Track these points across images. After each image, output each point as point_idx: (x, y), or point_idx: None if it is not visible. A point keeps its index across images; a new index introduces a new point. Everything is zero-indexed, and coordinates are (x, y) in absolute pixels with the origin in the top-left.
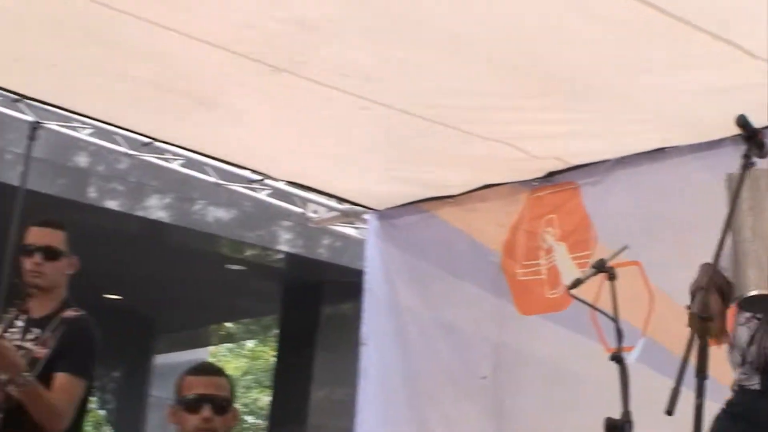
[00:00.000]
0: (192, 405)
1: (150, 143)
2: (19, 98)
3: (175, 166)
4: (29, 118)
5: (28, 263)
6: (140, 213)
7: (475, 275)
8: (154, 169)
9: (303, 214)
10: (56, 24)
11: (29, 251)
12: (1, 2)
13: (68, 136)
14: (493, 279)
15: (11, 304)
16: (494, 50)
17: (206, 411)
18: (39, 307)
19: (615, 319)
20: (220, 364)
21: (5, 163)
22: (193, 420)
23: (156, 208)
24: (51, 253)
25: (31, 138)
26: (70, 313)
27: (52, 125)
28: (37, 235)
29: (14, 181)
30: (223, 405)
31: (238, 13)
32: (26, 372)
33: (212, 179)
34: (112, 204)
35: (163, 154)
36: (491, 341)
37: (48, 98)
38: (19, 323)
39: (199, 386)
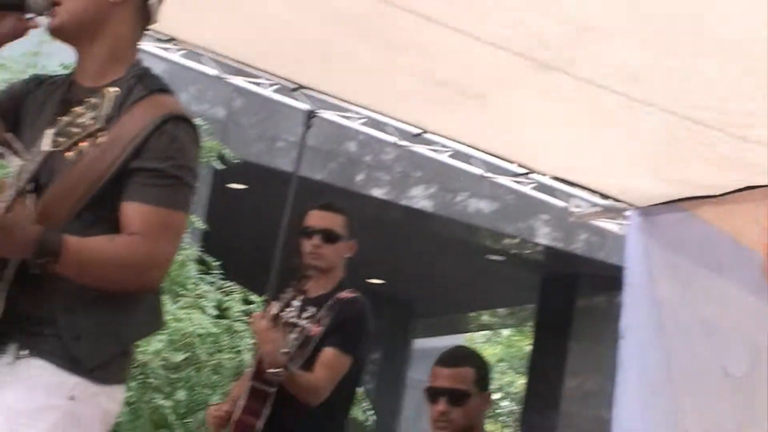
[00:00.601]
0: (431, 396)
1: (420, 134)
2: (296, 87)
3: (443, 157)
4: (305, 106)
5: (307, 245)
6: (404, 202)
7: (736, 275)
8: (419, 160)
9: (565, 208)
10: (333, 16)
11: (309, 233)
12: None
13: (340, 125)
14: (754, 279)
15: (289, 285)
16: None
17: (441, 404)
18: (316, 288)
19: None
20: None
21: (279, 150)
22: (432, 411)
23: (420, 198)
24: (330, 236)
25: (307, 126)
26: (345, 294)
27: (327, 114)
28: (317, 218)
29: (287, 166)
30: (459, 397)
31: (510, 11)
32: (281, 369)
33: (478, 171)
34: (377, 192)
35: (431, 145)
36: (749, 341)
37: (324, 88)
38: (296, 303)
39: (438, 378)
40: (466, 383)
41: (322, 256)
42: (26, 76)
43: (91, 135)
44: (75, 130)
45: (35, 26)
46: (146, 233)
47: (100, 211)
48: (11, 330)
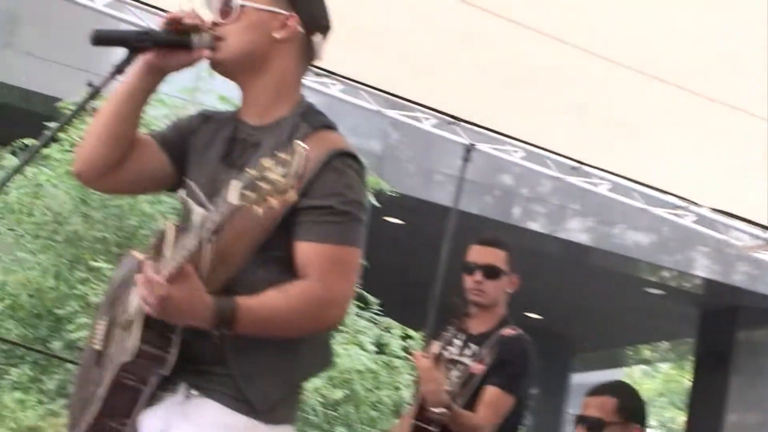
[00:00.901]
0: (576, 425)
1: (578, 167)
2: (454, 121)
3: (601, 190)
4: (463, 140)
5: (469, 281)
6: (561, 235)
7: None
8: (575, 192)
9: (724, 240)
10: (492, 52)
11: (470, 269)
12: (445, 27)
13: (496, 157)
14: None
15: (449, 323)
16: None
17: None
18: (478, 324)
19: None
20: (635, 386)
21: (435, 184)
22: None
23: (577, 231)
24: (492, 272)
25: (465, 160)
26: (508, 331)
27: (485, 147)
28: (479, 253)
29: (443, 200)
30: (597, 425)
31: (669, 44)
32: (445, 408)
33: (638, 204)
34: (534, 225)
35: (589, 178)
36: None
37: (481, 121)
38: (458, 341)
39: (583, 407)
40: (605, 412)
41: (484, 292)
42: (184, 112)
43: (281, 193)
44: (264, 185)
45: (199, 59)
46: (321, 274)
47: (272, 251)
48: (182, 369)
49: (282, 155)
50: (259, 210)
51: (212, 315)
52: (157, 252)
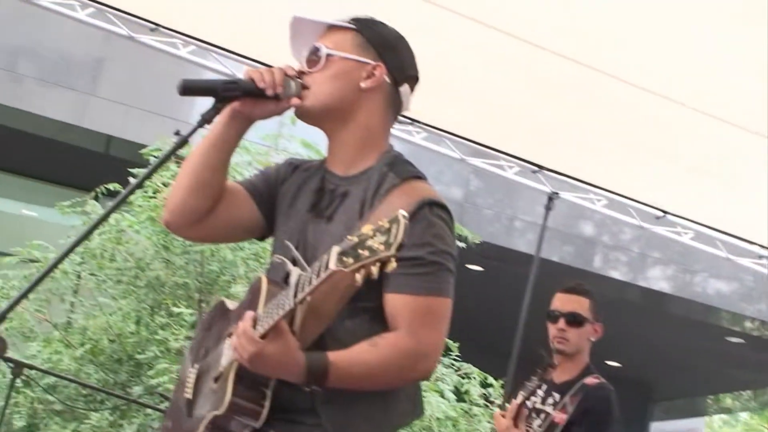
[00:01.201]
0: None
1: (662, 216)
2: (537, 169)
3: (684, 239)
4: (545, 188)
5: (552, 329)
6: (642, 283)
7: None
8: (657, 240)
9: None
10: (574, 100)
11: (554, 317)
12: (528, 76)
13: (578, 205)
14: None
15: (533, 372)
16: None
17: None
18: (561, 373)
19: None
20: None
21: (515, 231)
22: None
23: (658, 279)
24: (576, 320)
25: (548, 208)
26: (591, 379)
27: (568, 195)
28: (563, 301)
29: (524, 248)
30: None
31: (747, 93)
32: None
33: (721, 253)
34: (615, 273)
35: (673, 227)
36: None
37: (564, 169)
38: (540, 392)
39: None
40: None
41: (567, 341)
42: (268, 158)
43: (382, 262)
44: (364, 253)
45: (287, 108)
46: (411, 326)
47: (361, 302)
48: (272, 418)
49: (383, 223)
50: (358, 277)
51: (305, 372)
52: (252, 304)
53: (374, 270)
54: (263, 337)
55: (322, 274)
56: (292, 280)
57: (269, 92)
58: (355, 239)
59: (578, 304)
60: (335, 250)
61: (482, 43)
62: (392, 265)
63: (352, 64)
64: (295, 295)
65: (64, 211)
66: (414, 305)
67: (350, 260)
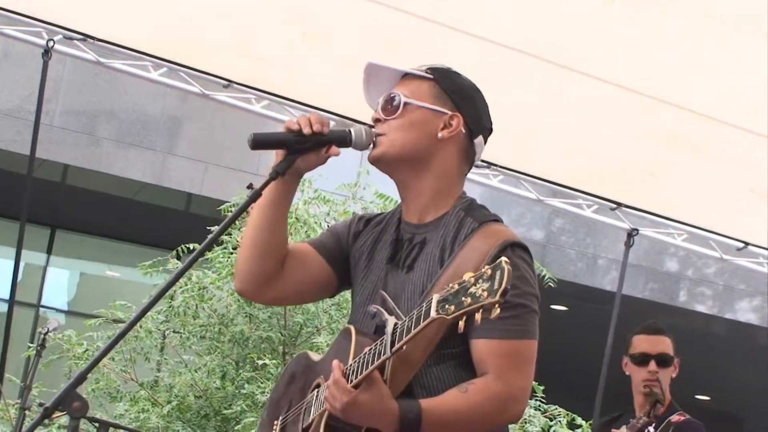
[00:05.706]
0: None
1: (743, 248)
2: (616, 206)
3: (765, 269)
4: (625, 225)
5: (643, 372)
6: (729, 316)
7: None
8: (741, 272)
9: None
10: (650, 133)
11: (644, 360)
12: (600, 113)
13: (660, 240)
14: None
15: (645, 413)
16: None
17: None
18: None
19: None
20: None
21: (598, 269)
22: None
23: (745, 311)
24: (665, 361)
25: (628, 245)
26: (677, 417)
27: (648, 231)
28: (650, 343)
29: (607, 285)
30: None
31: None
32: None
33: None
34: (701, 307)
35: (755, 258)
36: None
37: (643, 205)
38: (651, 429)
39: None
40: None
41: (659, 382)
42: (345, 208)
43: (487, 310)
44: (467, 300)
45: (328, 158)
46: (499, 370)
47: (446, 348)
48: None
49: (486, 270)
50: (461, 324)
51: (398, 420)
52: (340, 354)
53: (478, 317)
54: (356, 386)
55: (423, 322)
56: (389, 329)
57: (346, 142)
58: (456, 287)
59: (665, 345)
60: (435, 297)
61: (553, 81)
62: (496, 311)
63: (430, 113)
64: (392, 344)
65: (146, 270)
66: (502, 349)
67: (452, 308)
